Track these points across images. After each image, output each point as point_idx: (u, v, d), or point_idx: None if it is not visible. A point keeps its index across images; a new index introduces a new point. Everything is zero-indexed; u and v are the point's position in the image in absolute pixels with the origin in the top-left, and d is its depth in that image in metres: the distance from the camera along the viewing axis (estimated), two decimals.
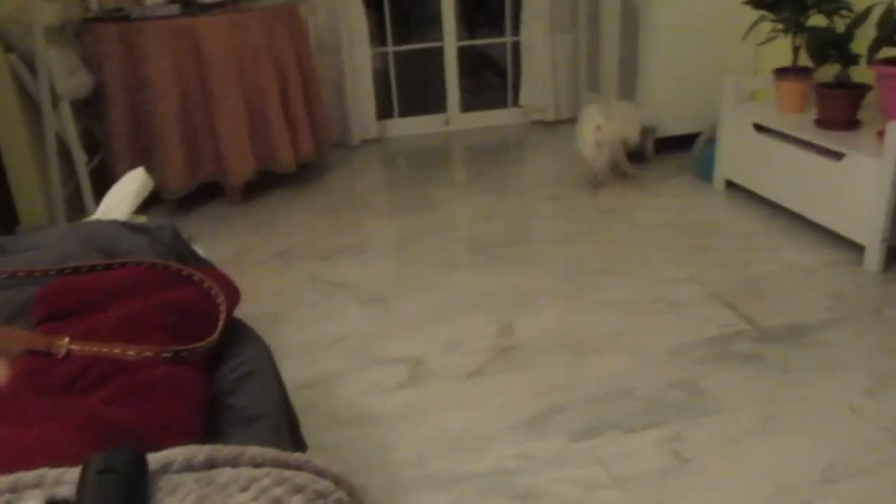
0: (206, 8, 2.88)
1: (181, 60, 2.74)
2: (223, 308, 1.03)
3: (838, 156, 2.22)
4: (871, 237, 2.12)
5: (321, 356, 1.87)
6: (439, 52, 3.97)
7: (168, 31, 2.70)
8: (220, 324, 0.99)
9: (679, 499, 1.33)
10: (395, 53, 4.00)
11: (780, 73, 2.61)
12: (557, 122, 3.98)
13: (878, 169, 2.05)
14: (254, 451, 0.55)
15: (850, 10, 2.41)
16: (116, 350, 0.88)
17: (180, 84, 2.76)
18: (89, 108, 2.93)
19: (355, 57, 3.72)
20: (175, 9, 2.79)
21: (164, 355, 0.88)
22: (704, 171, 2.99)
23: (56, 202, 2.73)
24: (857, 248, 2.26)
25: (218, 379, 0.96)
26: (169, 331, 0.95)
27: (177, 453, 0.53)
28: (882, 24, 2.14)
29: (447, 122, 4.09)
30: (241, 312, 1.14)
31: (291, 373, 1.79)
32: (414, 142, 3.90)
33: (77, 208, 2.84)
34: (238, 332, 1.09)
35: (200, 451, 0.53)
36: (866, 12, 2.26)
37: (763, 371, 1.69)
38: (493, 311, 2.05)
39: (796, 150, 2.40)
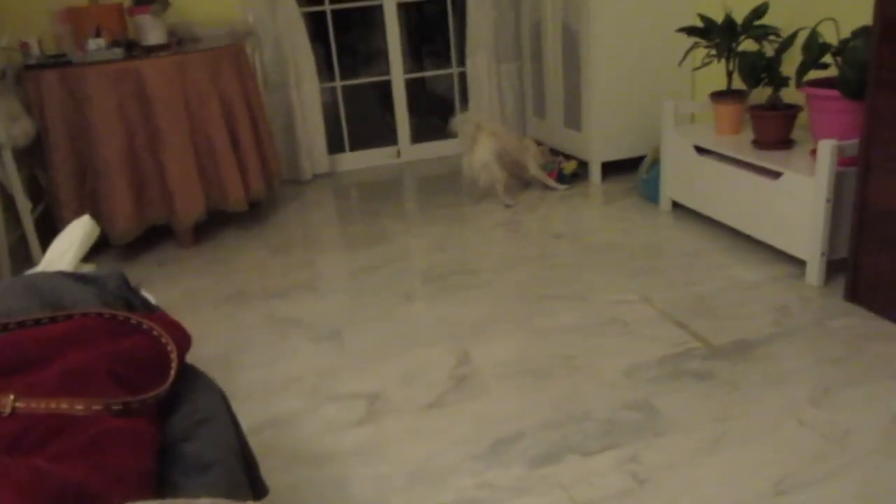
0: (150, 50, 2.87)
1: (125, 104, 2.72)
2: (174, 355, 1.02)
3: (775, 175, 2.30)
4: (811, 252, 2.20)
5: (278, 396, 1.85)
6: (387, 86, 4.02)
7: (111, 75, 2.68)
8: (172, 372, 0.98)
9: None
10: (344, 87, 4.03)
11: (716, 96, 2.71)
12: None
13: (813, 186, 2.14)
14: (204, 502, 0.55)
15: (777, 35, 2.53)
16: (64, 405, 0.86)
17: (125, 128, 2.74)
18: (33, 154, 2.89)
19: (304, 92, 3.74)
20: (118, 53, 2.77)
21: (114, 408, 0.87)
22: (650, 193, 3.07)
23: (0, 252, 2.66)
24: (799, 263, 2.34)
25: (170, 427, 0.95)
26: (118, 382, 0.93)
27: None
28: (807, 48, 2.24)
29: (398, 154, 4.12)
30: (195, 355, 1.13)
31: (248, 414, 1.77)
32: (366, 175, 3.92)
33: (22, 258, 2.78)
34: (190, 379, 1.09)
35: None
36: (792, 37, 2.37)
37: (714, 388, 1.73)
38: (449, 341, 2.06)
39: (736, 170, 2.48)
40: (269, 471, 1.55)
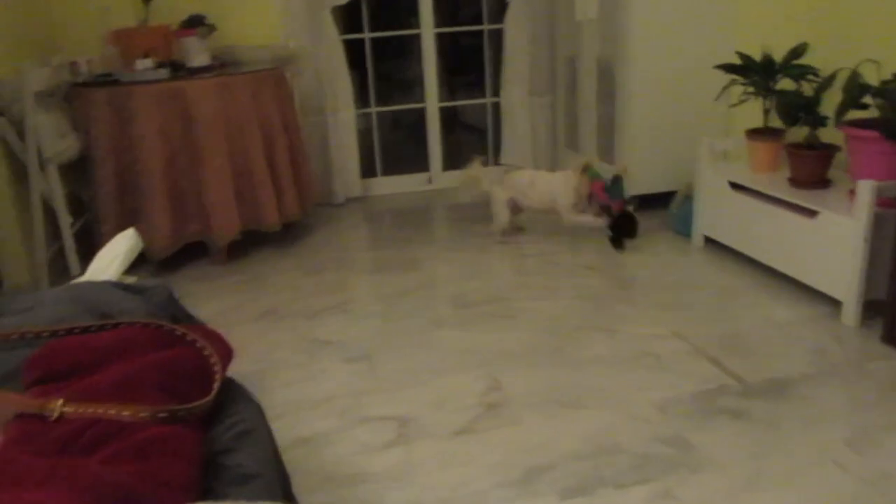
0: (195, 72, 2.94)
1: (169, 123, 2.78)
2: (217, 367, 1.04)
3: (812, 213, 2.28)
4: (848, 293, 2.17)
5: (309, 415, 1.86)
6: (422, 113, 4.07)
7: (157, 95, 2.75)
8: (216, 383, 0.99)
9: None
10: (379, 114, 4.08)
11: (753, 133, 2.70)
12: None
13: (851, 227, 2.12)
14: None
15: (816, 74, 2.52)
16: (111, 411, 0.88)
17: (168, 146, 2.80)
18: (76, 171, 2.95)
19: (340, 117, 3.80)
20: (164, 73, 2.84)
21: (161, 415, 0.88)
22: (683, 228, 3.05)
23: (39, 264, 2.72)
24: (835, 303, 2.31)
25: (213, 438, 0.96)
26: (164, 391, 0.95)
27: None
28: (847, 88, 2.24)
29: (430, 181, 4.15)
30: (228, 372, 1.14)
31: (280, 432, 1.77)
32: (397, 200, 3.96)
33: (60, 270, 2.83)
34: (231, 391, 1.10)
35: None
36: (832, 77, 2.37)
37: (749, 425, 1.71)
38: (479, 368, 2.05)
39: (771, 207, 2.47)
40: (299, 489, 1.54)
